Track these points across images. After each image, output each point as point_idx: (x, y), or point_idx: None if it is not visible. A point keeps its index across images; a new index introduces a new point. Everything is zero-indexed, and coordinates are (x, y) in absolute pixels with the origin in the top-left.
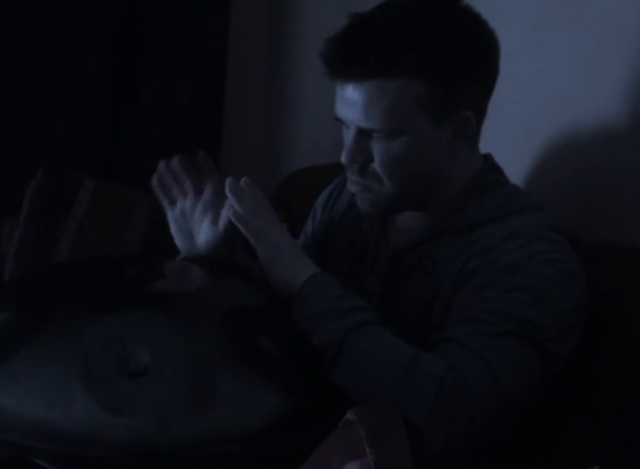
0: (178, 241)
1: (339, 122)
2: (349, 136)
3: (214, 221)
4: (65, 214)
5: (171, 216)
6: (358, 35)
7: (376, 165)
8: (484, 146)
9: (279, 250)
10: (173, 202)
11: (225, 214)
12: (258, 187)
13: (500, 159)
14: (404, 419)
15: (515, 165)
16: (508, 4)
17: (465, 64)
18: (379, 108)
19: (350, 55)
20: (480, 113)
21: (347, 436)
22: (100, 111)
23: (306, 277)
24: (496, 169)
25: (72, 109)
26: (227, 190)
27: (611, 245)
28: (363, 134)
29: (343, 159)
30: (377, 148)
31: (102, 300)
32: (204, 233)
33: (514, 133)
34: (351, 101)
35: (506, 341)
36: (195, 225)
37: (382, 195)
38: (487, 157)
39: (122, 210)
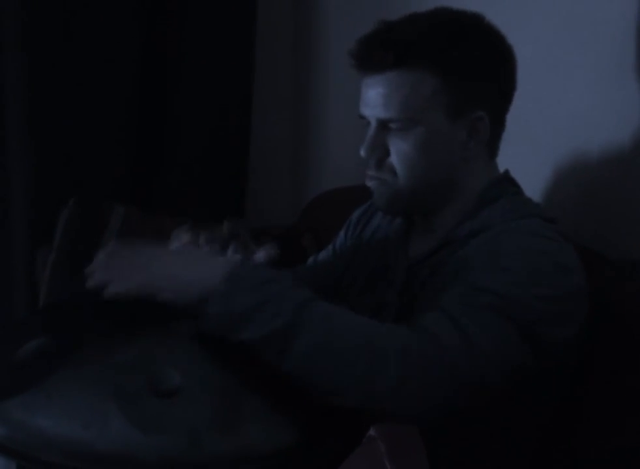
0: None
1: (362, 119)
2: (369, 132)
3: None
4: (96, 240)
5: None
6: (382, 32)
7: (392, 158)
8: (502, 164)
9: (176, 255)
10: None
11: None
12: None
13: (519, 177)
14: (422, 434)
15: (533, 183)
16: (528, 26)
17: (475, 66)
18: (397, 98)
19: (373, 47)
20: (496, 121)
21: (369, 451)
22: (129, 141)
23: (228, 269)
24: (511, 181)
25: (103, 139)
26: None
27: (632, 261)
28: (382, 128)
29: (362, 151)
30: (394, 141)
31: (133, 323)
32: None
33: (532, 152)
34: (373, 93)
35: (485, 312)
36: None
37: (397, 189)
38: (504, 173)
39: (151, 235)
